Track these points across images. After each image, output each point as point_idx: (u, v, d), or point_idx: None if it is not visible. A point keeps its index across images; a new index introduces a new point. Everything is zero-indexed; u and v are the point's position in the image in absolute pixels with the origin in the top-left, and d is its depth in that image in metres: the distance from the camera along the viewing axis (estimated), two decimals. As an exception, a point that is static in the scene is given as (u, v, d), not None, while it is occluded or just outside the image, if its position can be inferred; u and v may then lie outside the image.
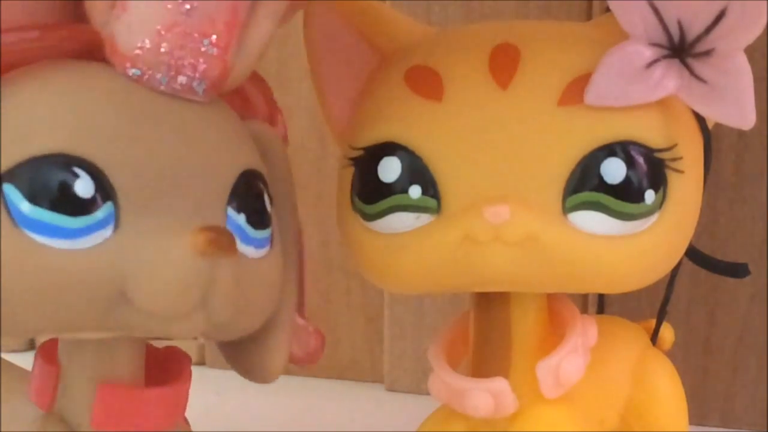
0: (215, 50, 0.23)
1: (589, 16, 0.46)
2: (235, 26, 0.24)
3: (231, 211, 0.24)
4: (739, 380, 0.47)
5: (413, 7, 0.48)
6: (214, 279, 0.22)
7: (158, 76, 0.23)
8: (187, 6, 0.23)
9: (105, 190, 0.22)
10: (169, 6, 0.23)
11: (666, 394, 0.32)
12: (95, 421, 0.24)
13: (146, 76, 0.23)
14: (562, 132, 0.25)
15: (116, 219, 0.22)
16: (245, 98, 0.28)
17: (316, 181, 0.52)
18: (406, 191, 0.26)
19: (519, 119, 0.25)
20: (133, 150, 0.22)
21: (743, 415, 0.47)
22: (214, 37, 0.23)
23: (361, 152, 0.27)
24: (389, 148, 0.26)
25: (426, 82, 0.26)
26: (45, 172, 0.21)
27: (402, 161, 0.26)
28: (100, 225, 0.22)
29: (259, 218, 0.25)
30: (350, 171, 0.28)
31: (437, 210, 0.26)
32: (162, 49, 0.23)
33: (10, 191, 0.21)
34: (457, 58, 0.27)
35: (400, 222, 0.26)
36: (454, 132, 0.26)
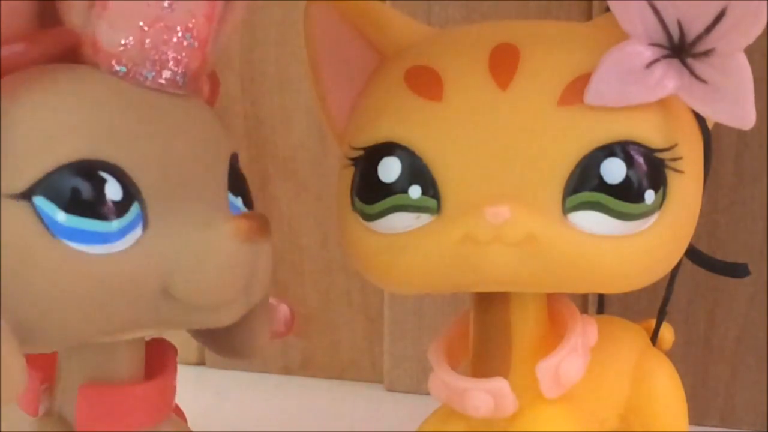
0: (196, 43, 0.24)
1: (589, 16, 0.46)
2: (214, 19, 0.24)
3: (231, 197, 0.25)
4: (739, 380, 0.47)
5: (413, 7, 0.48)
6: (257, 263, 0.23)
7: (144, 71, 0.23)
8: (169, 1, 0.23)
9: (131, 191, 0.22)
10: (150, 2, 0.23)
11: (666, 394, 0.32)
12: (79, 423, 0.24)
13: (132, 73, 0.23)
14: (562, 132, 0.25)
15: (144, 218, 0.22)
16: (212, 84, 0.28)
17: (316, 181, 0.52)
18: (406, 191, 0.26)
19: (519, 119, 0.25)
20: (149, 148, 0.23)
21: (743, 415, 0.47)
22: (195, 30, 0.23)
23: (361, 152, 0.27)
24: (389, 148, 0.26)
25: (426, 82, 0.26)
26: (74, 180, 0.21)
27: (402, 161, 0.26)
28: (132, 226, 0.22)
29: (248, 199, 0.26)
30: (350, 171, 0.28)
31: (437, 210, 0.26)
32: (146, 45, 0.23)
33: (41, 203, 0.21)
34: (457, 58, 0.27)
35: (400, 222, 0.26)
36: (454, 132, 0.26)
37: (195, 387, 0.51)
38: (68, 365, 0.25)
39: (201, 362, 0.55)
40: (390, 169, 0.26)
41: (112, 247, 0.22)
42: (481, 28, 0.29)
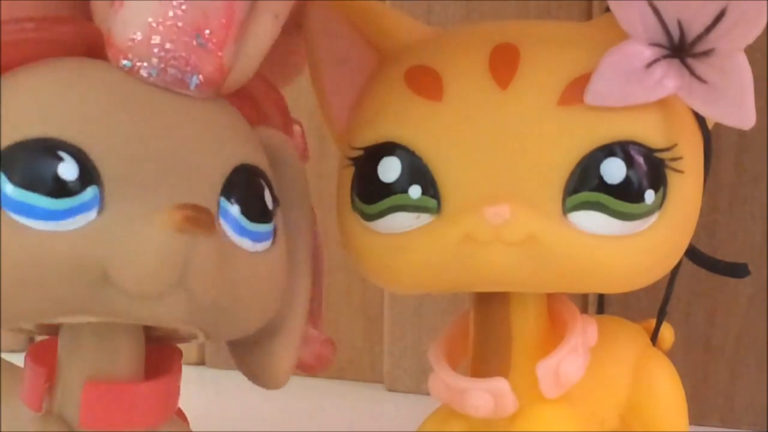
0: (209, 45, 0.24)
1: (589, 16, 0.46)
2: (232, 24, 0.24)
3: (224, 202, 0.24)
4: (739, 380, 0.47)
5: (413, 7, 0.48)
6: (192, 256, 0.22)
7: (148, 67, 0.24)
8: (182, 1, 0.23)
9: (89, 173, 0.22)
10: (162, 1, 0.23)
11: (666, 394, 0.31)
12: (83, 421, 0.24)
13: (137, 68, 0.23)
14: (562, 132, 0.25)
15: (101, 202, 0.22)
16: (256, 105, 0.28)
17: (316, 181, 0.52)
18: (406, 191, 0.26)
19: (519, 119, 0.25)
20: (120, 136, 0.23)
21: (743, 415, 0.47)
22: (207, 32, 0.24)
23: (360, 152, 0.27)
24: (389, 148, 0.26)
25: (426, 82, 0.26)
26: (28, 156, 0.22)
27: (402, 161, 0.26)
28: (84, 207, 0.22)
29: (257, 212, 0.25)
30: (350, 171, 0.28)
31: (437, 210, 0.26)
32: (153, 41, 0.23)
33: None
34: (457, 58, 0.27)
35: (400, 222, 0.26)
36: (454, 132, 0.26)
37: (195, 387, 0.51)
38: (68, 364, 0.25)
39: (201, 362, 0.55)
40: (390, 169, 0.26)
41: (59, 225, 0.22)
42: (481, 28, 0.29)
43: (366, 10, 0.29)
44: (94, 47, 0.24)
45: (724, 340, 0.47)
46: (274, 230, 0.26)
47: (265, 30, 0.25)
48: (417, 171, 0.26)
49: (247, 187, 0.25)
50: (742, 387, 0.46)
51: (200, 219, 0.22)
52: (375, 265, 0.27)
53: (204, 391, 0.51)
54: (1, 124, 0.22)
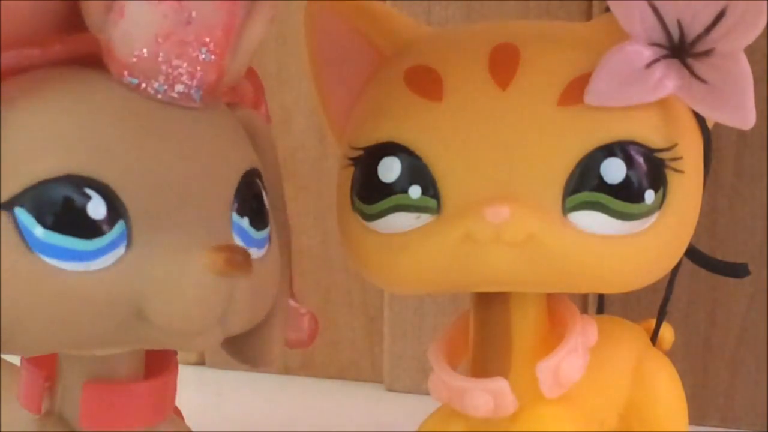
0: (212, 57, 0.23)
1: (589, 16, 0.46)
2: (232, 31, 0.23)
3: (235, 217, 0.24)
4: (739, 380, 0.47)
5: (413, 7, 0.48)
6: (233, 296, 0.22)
7: (155, 85, 0.23)
8: (186, 14, 0.22)
9: (116, 208, 0.21)
10: (166, 13, 0.22)
11: (666, 394, 0.32)
12: (83, 422, 0.24)
13: (143, 85, 0.23)
14: (561, 132, 0.25)
15: (128, 237, 0.22)
16: (234, 88, 0.27)
17: (316, 181, 0.52)
18: (406, 191, 0.26)
19: (519, 119, 0.25)
20: (141, 166, 0.22)
21: (743, 415, 0.47)
22: (211, 44, 0.23)
23: (361, 152, 0.27)
24: (389, 148, 0.26)
25: (426, 82, 0.26)
26: (56, 196, 0.21)
27: (402, 161, 0.26)
28: (113, 245, 0.21)
29: (260, 219, 0.25)
30: (350, 171, 0.27)
31: (437, 210, 0.26)
32: (159, 58, 0.22)
33: (22, 215, 0.21)
34: (456, 58, 0.27)
35: (400, 222, 0.26)
36: (454, 132, 0.26)
37: (195, 387, 0.51)
38: (69, 365, 0.25)
39: (201, 362, 0.55)
40: (390, 169, 0.26)
41: (90, 265, 0.21)
42: (481, 28, 0.29)
43: (366, 10, 0.29)
44: (90, 57, 0.23)
45: (724, 340, 0.47)
46: (270, 231, 0.26)
47: (259, 32, 0.24)
48: (417, 171, 0.26)
49: (251, 196, 0.25)
50: (742, 387, 0.46)
51: (240, 261, 0.22)
52: (375, 265, 0.27)
53: (204, 391, 0.51)
54: (16, 158, 0.21)
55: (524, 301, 0.28)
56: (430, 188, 0.26)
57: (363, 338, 0.54)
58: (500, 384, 0.27)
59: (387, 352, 0.53)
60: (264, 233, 0.25)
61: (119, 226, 0.22)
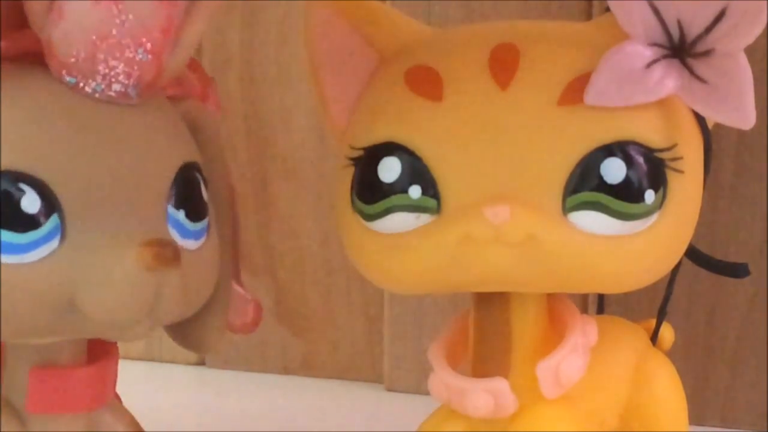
0: (149, 57, 0.24)
1: (589, 16, 0.46)
2: (170, 31, 0.24)
3: (171, 209, 0.25)
4: (739, 380, 0.47)
5: (413, 7, 0.48)
6: (161, 290, 0.23)
7: (93, 84, 0.24)
8: (123, 17, 0.23)
9: (50, 203, 0.22)
10: (103, 15, 0.23)
11: (666, 394, 0.31)
12: (29, 405, 0.25)
13: (81, 84, 0.23)
14: (562, 132, 0.25)
15: (62, 230, 0.22)
16: (178, 80, 0.28)
17: (316, 181, 0.52)
18: (406, 191, 0.26)
19: (519, 119, 0.25)
20: (76, 162, 0.23)
21: (743, 415, 0.47)
22: (148, 44, 0.24)
23: (360, 152, 0.27)
24: (389, 148, 0.26)
25: (426, 82, 0.26)
26: None
27: (402, 161, 0.26)
28: (46, 238, 0.22)
29: (197, 211, 0.26)
30: (350, 171, 0.27)
31: (437, 210, 0.26)
32: (96, 59, 0.23)
33: None
34: (456, 58, 0.27)
35: (400, 222, 0.26)
36: (454, 132, 0.26)
37: (195, 387, 0.51)
38: (14, 352, 0.26)
39: (201, 362, 0.55)
40: (390, 169, 0.26)
41: (24, 257, 0.22)
42: (481, 28, 0.29)
43: (366, 10, 0.29)
44: (31, 54, 0.23)
45: (724, 340, 0.47)
46: (208, 222, 0.26)
47: (198, 29, 0.25)
48: (417, 171, 0.26)
49: (188, 189, 0.25)
50: (742, 387, 0.46)
51: (168, 255, 0.23)
52: (375, 265, 0.27)
53: (204, 391, 0.51)
54: None
55: (524, 301, 0.28)
56: (430, 188, 0.26)
57: (363, 338, 0.54)
58: (500, 384, 0.27)
59: (387, 352, 0.53)
60: (201, 225, 0.26)
61: (53, 220, 0.22)
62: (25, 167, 0.22)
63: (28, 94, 0.23)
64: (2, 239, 0.22)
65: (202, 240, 0.26)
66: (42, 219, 0.22)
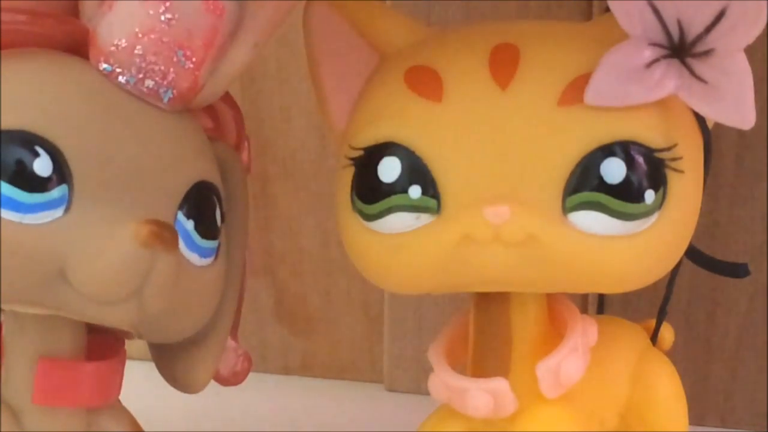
0: (188, 63, 0.24)
1: (589, 16, 0.46)
2: (213, 45, 0.24)
3: (181, 216, 0.25)
4: (739, 380, 0.47)
5: (413, 7, 0.48)
6: (152, 270, 0.23)
7: (127, 75, 0.24)
8: (168, 15, 0.24)
9: (62, 171, 0.23)
10: (150, 12, 0.24)
11: (666, 394, 0.32)
12: (36, 396, 0.25)
13: (115, 73, 0.24)
14: (561, 132, 0.25)
15: (69, 201, 0.23)
16: (217, 120, 0.29)
17: (316, 181, 0.52)
18: (406, 191, 0.26)
19: (519, 119, 0.25)
20: (95, 139, 0.23)
21: (743, 415, 0.47)
22: (188, 51, 0.24)
23: (360, 152, 0.27)
24: (389, 148, 0.26)
25: (426, 82, 0.26)
26: (6, 147, 0.22)
27: (402, 161, 0.26)
28: (52, 204, 0.23)
29: (207, 228, 0.26)
30: (350, 171, 0.27)
31: (437, 210, 0.26)
32: (135, 51, 0.24)
33: None
34: (456, 58, 0.27)
35: (400, 222, 0.26)
36: (453, 132, 0.26)
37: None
38: (11, 345, 0.26)
39: (201, 362, 0.55)
40: (390, 169, 0.26)
41: (25, 218, 0.22)
42: (481, 28, 0.29)
43: (366, 10, 0.29)
44: (76, 43, 0.24)
45: (724, 340, 0.47)
46: (218, 247, 0.26)
47: (242, 56, 0.26)
48: (417, 171, 0.26)
49: (202, 204, 0.26)
50: (742, 387, 0.46)
51: (165, 236, 0.23)
52: (375, 265, 0.27)
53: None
54: None
55: (524, 301, 0.28)
56: (430, 188, 0.26)
57: (363, 338, 0.54)
58: (500, 384, 0.27)
59: (387, 352, 0.53)
60: (210, 244, 0.26)
61: (61, 189, 0.23)
62: (46, 132, 0.23)
63: (65, 71, 0.24)
64: (8, 195, 0.22)
65: (209, 260, 0.26)
66: (50, 185, 0.23)
